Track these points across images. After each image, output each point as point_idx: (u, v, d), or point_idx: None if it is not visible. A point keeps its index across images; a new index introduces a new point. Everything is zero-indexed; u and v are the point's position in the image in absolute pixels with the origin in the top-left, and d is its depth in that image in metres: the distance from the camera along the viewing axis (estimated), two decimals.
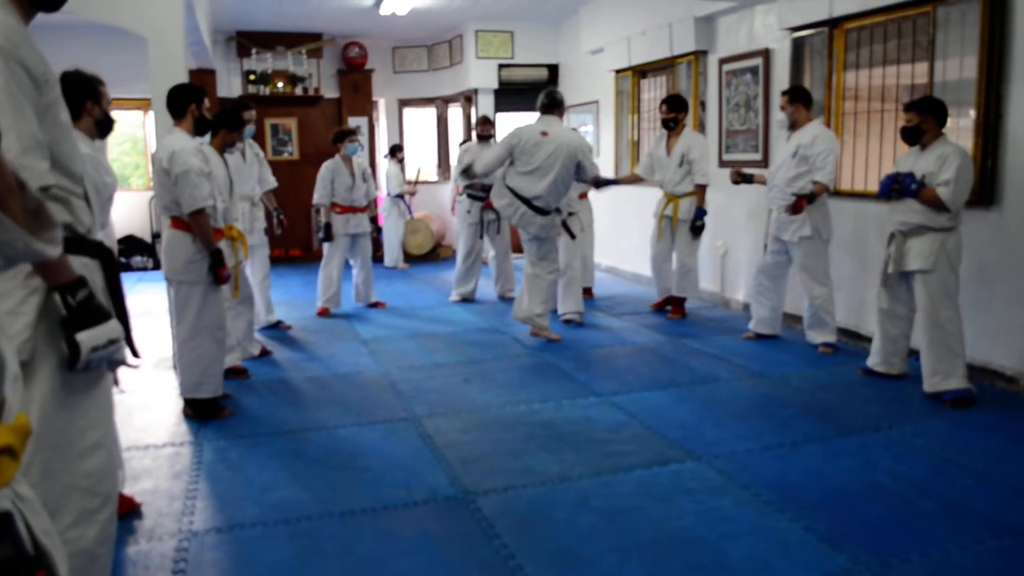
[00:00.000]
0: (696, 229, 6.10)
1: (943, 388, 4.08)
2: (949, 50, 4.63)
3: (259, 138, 8.30)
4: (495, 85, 9.74)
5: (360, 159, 6.79)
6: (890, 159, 5.02)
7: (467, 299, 7.19)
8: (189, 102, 3.93)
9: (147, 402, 4.39)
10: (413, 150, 11.01)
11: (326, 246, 6.53)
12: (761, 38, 6.20)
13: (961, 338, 4.08)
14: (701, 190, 6.08)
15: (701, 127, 6.95)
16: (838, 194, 5.42)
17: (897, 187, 4.12)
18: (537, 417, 4.02)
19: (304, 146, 10.02)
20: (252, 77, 9.61)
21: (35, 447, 1.63)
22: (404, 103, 10.97)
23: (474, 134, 7.31)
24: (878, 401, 4.16)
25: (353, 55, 10.13)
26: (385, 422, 4.01)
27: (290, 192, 8.65)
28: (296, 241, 9.97)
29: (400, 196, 9.44)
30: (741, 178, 5.48)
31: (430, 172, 11.17)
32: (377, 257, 8.74)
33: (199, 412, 4.07)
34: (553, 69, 9.91)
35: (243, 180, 5.39)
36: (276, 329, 6.03)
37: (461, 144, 7.76)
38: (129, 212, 9.41)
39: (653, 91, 7.85)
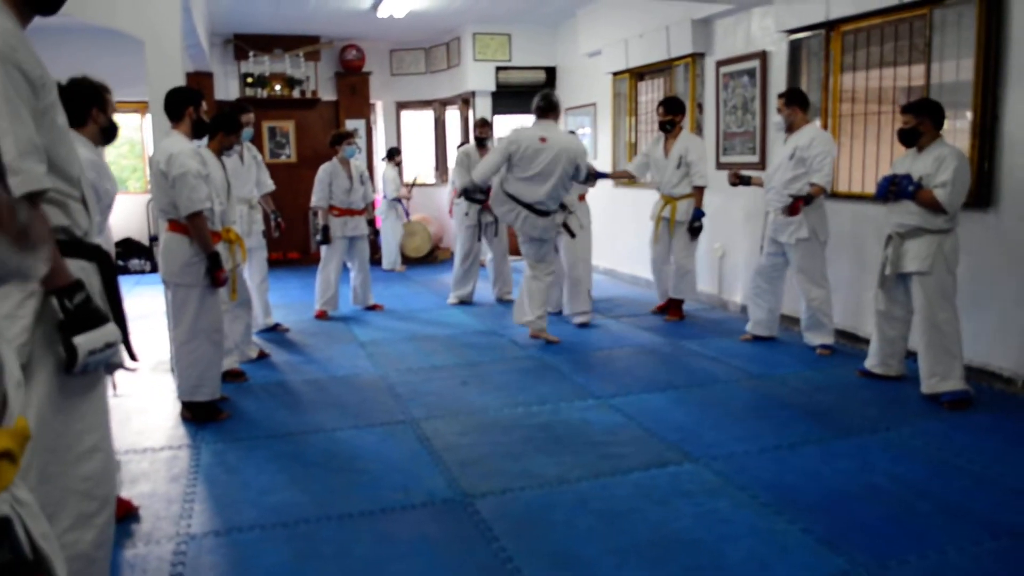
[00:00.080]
0: (694, 230, 6.11)
1: (941, 389, 4.08)
2: (946, 52, 4.64)
3: (257, 141, 8.32)
4: (492, 87, 9.74)
5: (358, 162, 6.79)
6: (887, 161, 5.02)
7: (465, 301, 7.19)
8: (187, 105, 3.94)
9: (145, 405, 4.39)
10: (411, 153, 11.00)
11: (324, 249, 6.53)
12: (758, 40, 6.21)
13: (958, 340, 4.09)
14: (699, 192, 6.09)
15: (698, 129, 6.95)
16: (835, 196, 5.43)
17: (894, 189, 4.13)
18: (535, 419, 4.02)
19: (302, 149, 10.02)
20: (250, 80, 9.62)
21: (32, 451, 1.63)
22: (401, 106, 10.97)
23: (471, 136, 7.32)
24: (876, 403, 4.17)
25: (350, 58, 10.14)
26: (383, 425, 4.01)
27: (288, 195, 8.64)
28: (294, 244, 9.97)
29: (397, 199, 9.45)
30: (739, 180, 5.50)
31: (427, 175, 11.17)
32: (375, 260, 8.73)
33: (197, 415, 4.06)
34: (551, 71, 9.91)
35: (241, 183, 5.40)
36: (274, 332, 6.02)
37: (459, 147, 7.76)
38: (126, 215, 9.41)
39: (650, 93, 7.86)
